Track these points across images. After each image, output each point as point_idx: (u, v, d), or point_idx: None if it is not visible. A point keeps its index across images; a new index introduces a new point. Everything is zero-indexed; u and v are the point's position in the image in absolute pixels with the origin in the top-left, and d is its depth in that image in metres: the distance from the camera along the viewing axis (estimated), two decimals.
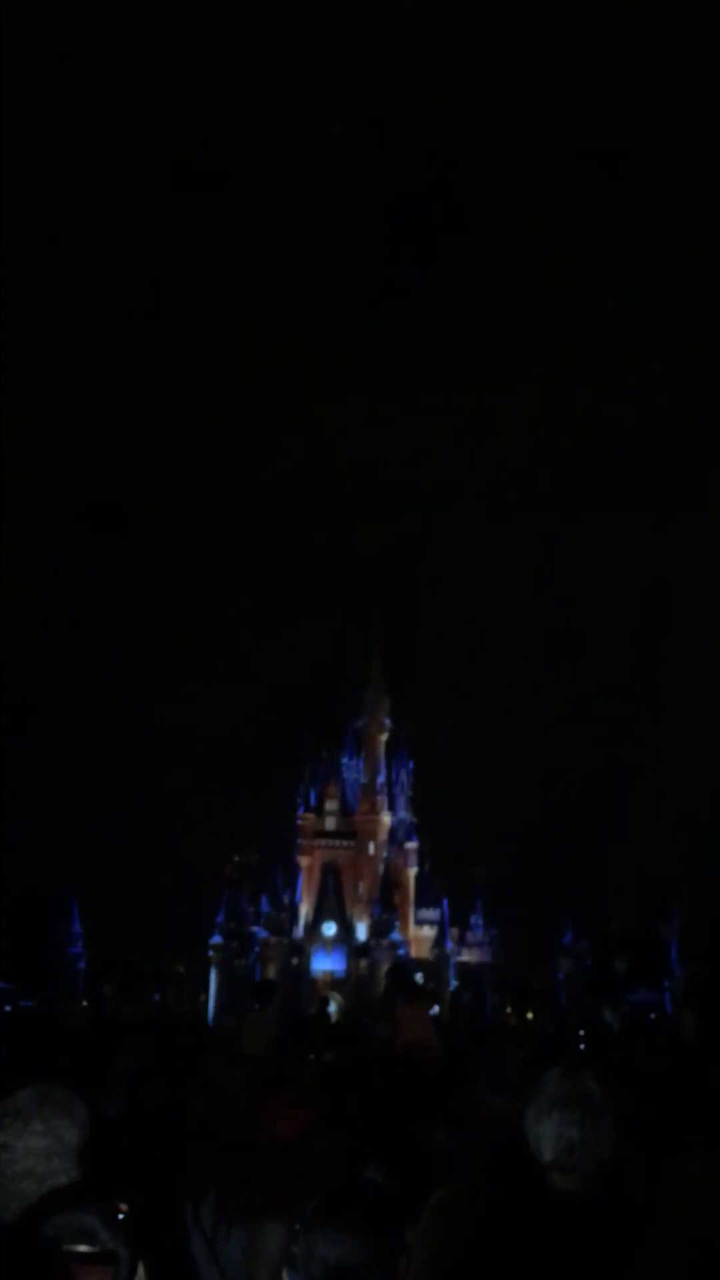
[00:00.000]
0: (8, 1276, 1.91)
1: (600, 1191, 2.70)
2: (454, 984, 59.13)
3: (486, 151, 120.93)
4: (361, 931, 61.03)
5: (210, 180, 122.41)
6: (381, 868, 62.86)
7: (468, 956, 62.76)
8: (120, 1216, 2.11)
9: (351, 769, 65.51)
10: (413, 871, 65.14)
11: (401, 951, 59.18)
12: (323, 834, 64.03)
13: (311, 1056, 6.78)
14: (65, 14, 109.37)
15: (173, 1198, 3.70)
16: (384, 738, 65.63)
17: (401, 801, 66.53)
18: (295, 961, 60.22)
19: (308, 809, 64.41)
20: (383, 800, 64.53)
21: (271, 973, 58.24)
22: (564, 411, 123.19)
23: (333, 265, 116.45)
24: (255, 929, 61.16)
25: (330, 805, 64.35)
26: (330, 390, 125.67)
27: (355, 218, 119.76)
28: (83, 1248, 2.07)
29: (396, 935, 60.05)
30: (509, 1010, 59.04)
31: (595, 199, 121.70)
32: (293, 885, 63.61)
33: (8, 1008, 24.50)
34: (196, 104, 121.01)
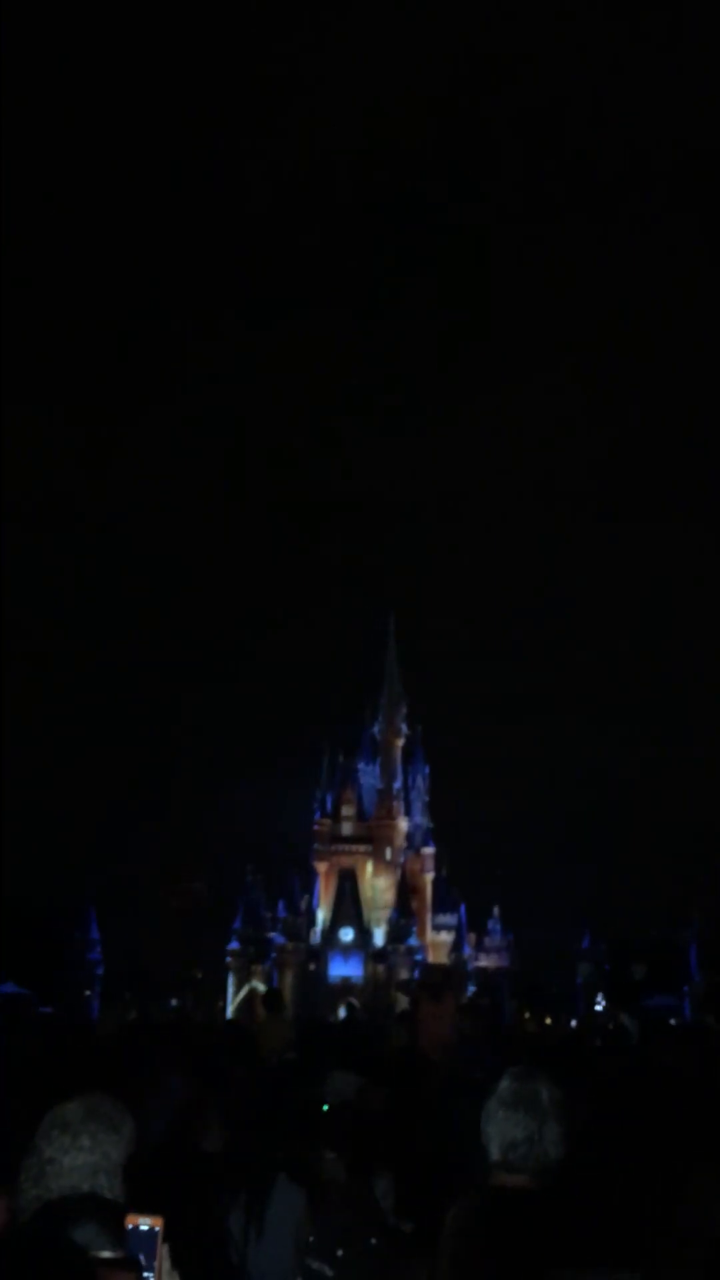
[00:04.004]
0: (42, 1277, 1.93)
1: (551, 1188, 2.74)
2: (471, 989, 59.00)
3: (486, 152, 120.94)
4: (379, 937, 60.98)
5: (210, 180, 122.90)
6: (398, 873, 62.81)
7: (485, 962, 62.62)
8: (143, 1227, 2.11)
9: (368, 774, 65.47)
10: (429, 877, 65.06)
11: (419, 957, 59.12)
12: (339, 839, 63.99)
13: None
14: (65, 14, 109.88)
15: (209, 1208, 3.71)
16: (400, 743, 65.57)
17: (418, 807, 66.47)
18: (312, 967, 60.21)
19: (324, 815, 64.39)
20: (399, 806, 64.46)
21: (289, 979, 58.28)
22: (573, 412, 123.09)
23: (334, 266, 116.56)
24: (272, 935, 61.18)
25: (347, 811, 64.30)
26: (341, 391, 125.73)
27: (355, 219, 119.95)
28: (106, 1253, 2.09)
29: (414, 941, 59.97)
30: (527, 1015, 58.89)
31: (596, 201, 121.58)
32: (309, 891, 63.60)
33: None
34: (196, 104, 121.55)
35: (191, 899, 62.00)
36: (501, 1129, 2.75)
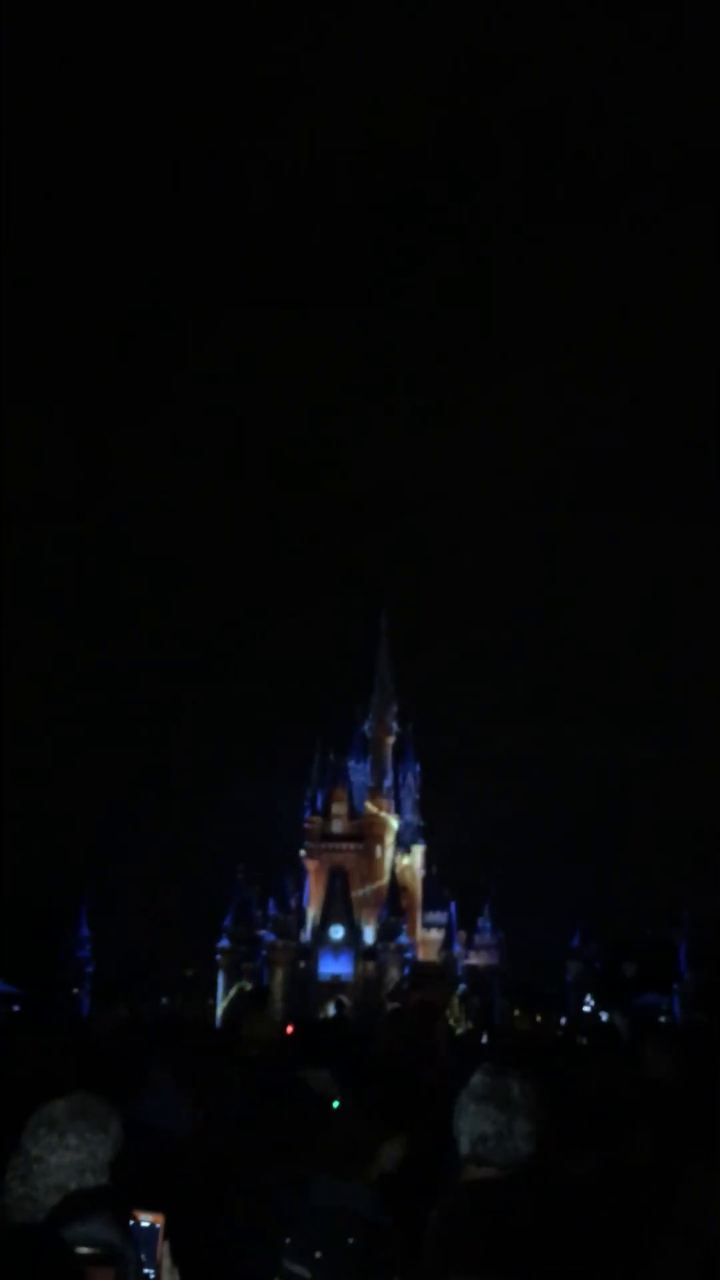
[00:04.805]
0: (27, 1277, 1.93)
1: (520, 1183, 2.75)
2: (462, 987, 59.06)
3: (486, 152, 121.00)
4: (369, 935, 61.01)
5: (210, 180, 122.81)
6: (389, 871, 62.83)
7: (475, 960, 62.69)
8: (144, 1224, 2.11)
9: (359, 772, 65.48)
10: (420, 875, 65.11)
11: (409, 955, 59.14)
12: (330, 837, 64.00)
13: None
14: (66, 14, 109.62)
15: (207, 1206, 3.71)
16: (391, 741, 65.60)
17: (409, 805, 66.50)
18: (302, 965, 60.20)
19: (315, 812, 64.39)
20: (390, 804, 64.48)
21: (279, 976, 58.27)
22: (572, 413, 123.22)
23: (333, 266, 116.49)
24: (262, 933, 61.13)
25: (337, 808, 64.30)
26: (332, 390, 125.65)
27: (355, 219, 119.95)
28: (87, 1249, 2.08)
29: (404, 938, 60.00)
30: (518, 1013, 59.01)
31: (596, 201, 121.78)
32: (300, 889, 63.59)
33: (15, 1007, 24.57)
34: (196, 104, 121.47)
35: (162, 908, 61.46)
36: (472, 1123, 2.77)
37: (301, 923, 62.32)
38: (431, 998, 7.33)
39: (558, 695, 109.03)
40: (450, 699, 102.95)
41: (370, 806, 64.05)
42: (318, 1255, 3.10)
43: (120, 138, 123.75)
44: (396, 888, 61.84)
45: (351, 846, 63.51)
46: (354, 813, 64.33)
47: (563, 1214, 2.84)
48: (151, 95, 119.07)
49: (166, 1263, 2.14)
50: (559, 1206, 2.87)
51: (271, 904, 62.06)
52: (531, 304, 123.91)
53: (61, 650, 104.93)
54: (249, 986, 49.92)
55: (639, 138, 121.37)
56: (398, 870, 63.28)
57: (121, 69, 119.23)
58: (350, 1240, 3.12)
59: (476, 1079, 2.86)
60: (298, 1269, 3.13)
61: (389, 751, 65.44)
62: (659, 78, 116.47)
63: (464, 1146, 2.80)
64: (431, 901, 64.39)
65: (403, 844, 65.06)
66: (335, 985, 57.97)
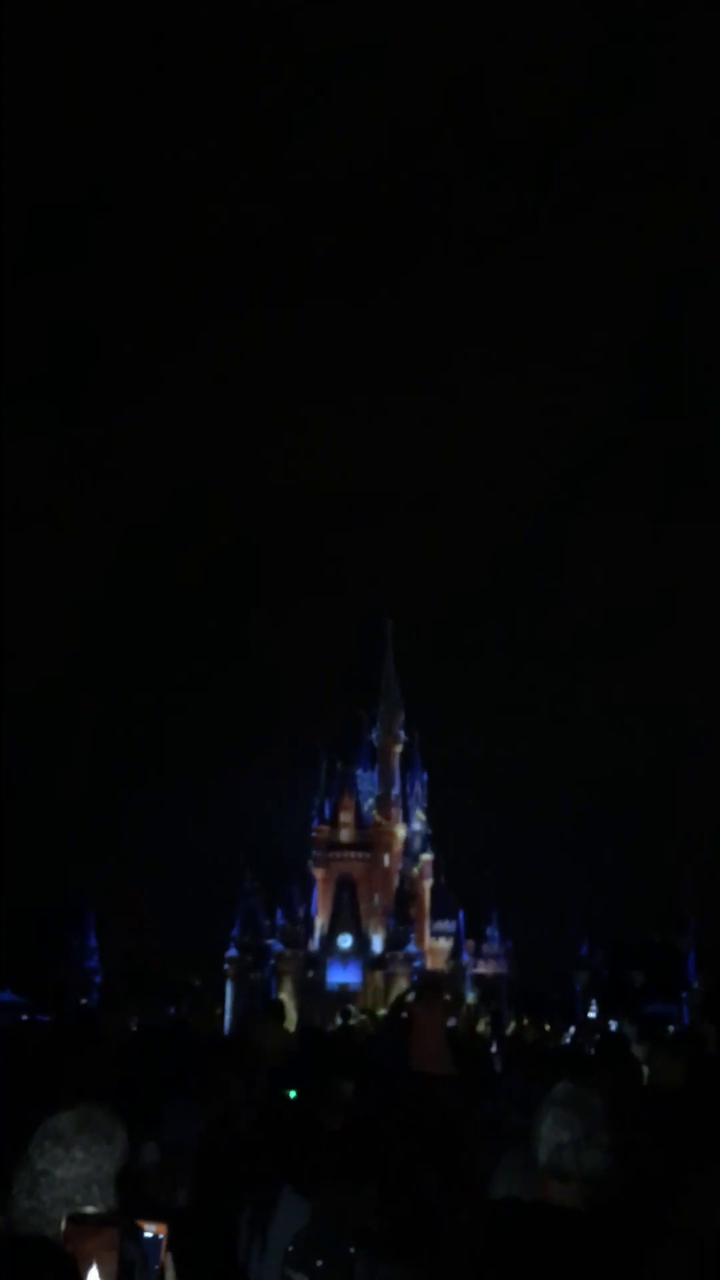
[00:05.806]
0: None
1: (601, 1204, 2.70)
2: (470, 996, 58.90)
3: (484, 156, 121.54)
4: (377, 944, 60.88)
5: (204, 184, 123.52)
6: (397, 880, 62.71)
7: (484, 969, 62.55)
8: (147, 1234, 2.10)
9: (366, 781, 65.38)
10: (428, 883, 64.97)
11: (417, 964, 59.01)
12: (337, 846, 63.90)
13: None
14: (64, 23, 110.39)
15: (217, 1216, 3.71)
16: (399, 749, 65.48)
17: (416, 813, 66.41)
18: (310, 974, 60.10)
19: (322, 821, 64.32)
20: (398, 812, 64.37)
21: (287, 986, 58.17)
22: (574, 415, 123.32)
23: (333, 263, 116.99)
24: (270, 942, 61.05)
25: (345, 817, 64.20)
26: (334, 394, 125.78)
27: (353, 216, 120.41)
28: (90, 1209, 2.06)
29: (412, 947, 59.87)
30: (526, 1023, 58.78)
31: (591, 203, 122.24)
32: (308, 898, 63.50)
33: (24, 1016, 24.56)
34: (194, 108, 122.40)
35: (139, 925, 60.97)
36: (551, 1130, 2.73)
37: (309, 932, 62.21)
38: (424, 1008, 7.25)
39: (565, 702, 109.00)
40: (457, 706, 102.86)
41: (378, 815, 63.96)
42: (319, 1264, 3.09)
43: (120, 137, 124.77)
44: (404, 897, 61.72)
45: (359, 855, 63.40)
46: (361, 821, 64.23)
47: (600, 1231, 2.78)
48: (152, 96, 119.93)
49: (171, 1274, 2.13)
50: (624, 1235, 2.81)
51: (279, 913, 61.98)
52: (532, 305, 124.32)
53: (63, 658, 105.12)
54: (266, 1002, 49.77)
55: (639, 143, 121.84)
56: (405, 879, 63.16)
57: (120, 73, 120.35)
58: (351, 1249, 3.10)
59: (559, 1087, 2.86)
60: (299, 1277, 3.12)
61: (396, 760, 65.33)
62: (658, 77, 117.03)
63: (542, 1155, 2.77)
64: (440, 910, 64.24)
65: (410, 853, 64.94)
66: (344, 995, 57.84)
